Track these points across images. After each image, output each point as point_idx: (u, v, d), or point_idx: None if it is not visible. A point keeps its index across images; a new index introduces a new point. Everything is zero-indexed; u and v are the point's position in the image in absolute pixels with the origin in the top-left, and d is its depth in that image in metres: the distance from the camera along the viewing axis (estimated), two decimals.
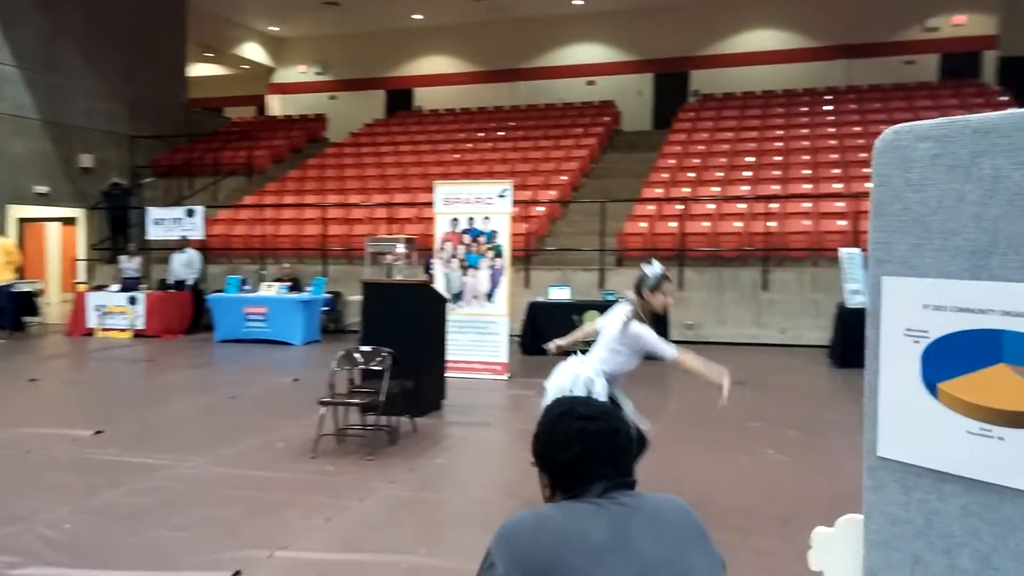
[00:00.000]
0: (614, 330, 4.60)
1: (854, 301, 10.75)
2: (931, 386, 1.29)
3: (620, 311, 4.64)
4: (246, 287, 13.21)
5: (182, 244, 14.28)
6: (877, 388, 1.37)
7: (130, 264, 14.48)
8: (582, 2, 21.54)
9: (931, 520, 1.28)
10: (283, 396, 8.60)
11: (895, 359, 1.34)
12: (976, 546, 1.23)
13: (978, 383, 1.23)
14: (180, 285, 14.07)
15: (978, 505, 1.23)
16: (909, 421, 1.32)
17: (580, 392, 4.60)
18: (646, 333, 4.49)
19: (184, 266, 14.15)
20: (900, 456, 1.33)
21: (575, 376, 4.62)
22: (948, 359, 1.27)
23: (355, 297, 13.32)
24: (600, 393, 4.59)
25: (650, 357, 4.64)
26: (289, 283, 13.22)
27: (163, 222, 14.65)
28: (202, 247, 15.01)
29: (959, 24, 20.09)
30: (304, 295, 12.90)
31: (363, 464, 5.95)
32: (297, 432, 6.85)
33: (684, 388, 9.10)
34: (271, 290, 12.88)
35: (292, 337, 12.46)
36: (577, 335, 5.18)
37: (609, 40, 22.68)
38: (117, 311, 13.42)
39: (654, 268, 4.63)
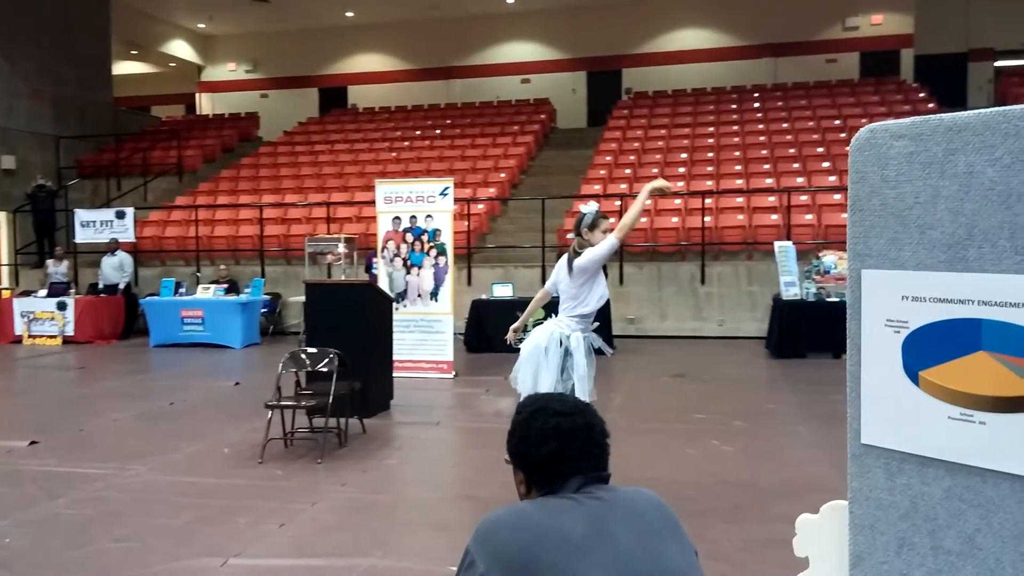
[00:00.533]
0: (567, 276, 4.79)
1: (789, 293, 11.03)
2: (912, 374, 1.34)
3: (562, 262, 4.87)
4: (181, 290, 12.91)
5: (112, 247, 13.88)
6: (860, 377, 1.41)
7: (58, 268, 14.03)
8: (514, 1, 21.59)
9: (915, 503, 1.33)
10: (225, 401, 8.43)
11: (876, 349, 1.38)
12: (961, 527, 1.28)
13: (959, 370, 1.28)
14: (111, 289, 13.68)
15: (961, 488, 1.28)
16: (892, 409, 1.36)
17: (555, 348, 4.71)
18: (590, 254, 4.68)
19: (115, 269, 13.77)
20: (884, 442, 1.38)
21: (550, 334, 4.77)
22: (929, 348, 1.32)
23: (296, 298, 13.16)
24: (576, 346, 4.70)
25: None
26: (226, 285, 12.96)
27: (91, 224, 14.23)
28: (133, 250, 14.63)
29: (877, 24, 20.77)
30: (242, 297, 12.66)
31: (313, 467, 5.88)
32: (242, 437, 6.74)
33: (628, 382, 9.21)
34: (208, 292, 12.61)
35: (231, 340, 12.23)
36: (528, 310, 5.30)
37: (542, 38, 22.79)
38: (46, 317, 12.99)
39: (590, 206, 4.83)
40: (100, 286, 13.82)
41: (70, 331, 12.92)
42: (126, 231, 14.14)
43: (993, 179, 1.24)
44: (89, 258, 15.08)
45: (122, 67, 24.42)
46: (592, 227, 4.74)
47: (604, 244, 4.69)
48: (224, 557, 4.19)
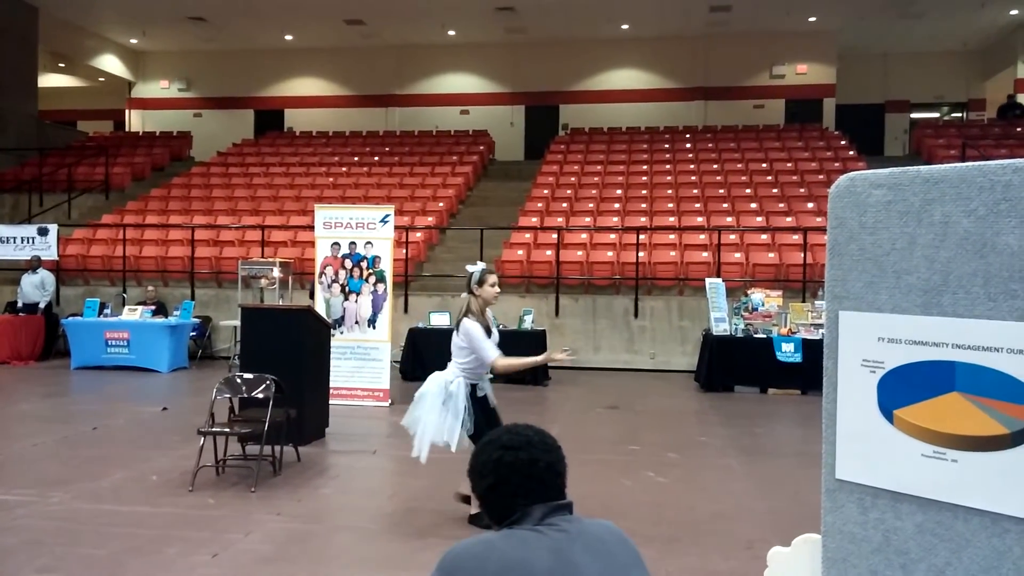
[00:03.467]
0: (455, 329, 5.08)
1: (718, 328, 11.27)
2: (887, 413, 1.40)
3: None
4: (106, 311, 12.50)
5: (34, 264, 13.39)
6: (835, 415, 1.46)
7: None
8: (455, 33, 21.76)
9: (888, 538, 1.38)
10: (152, 426, 8.18)
11: (852, 388, 1.44)
12: (931, 561, 1.33)
13: (932, 410, 1.34)
14: (31, 308, 13.17)
15: (933, 523, 1.33)
16: (867, 445, 1.42)
17: (438, 393, 4.93)
18: (474, 331, 4.93)
19: (36, 288, 13.27)
20: (858, 478, 1.43)
21: (438, 382, 4.99)
22: (903, 388, 1.38)
23: (227, 322, 12.88)
24: (457, 392, 4.93)
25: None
26: (153, 307, 12.61)
27: (11, 241, 13.74)
28: (55, 268, 14.14)
29: (802, 73, 21.65)
30: (171, 319, 12.32)
31: (246, 496, 5.74)
32: (171, 464, 6.55)
33: (564, 413, 9.26)
34: (134, 314, 12.24)
35: (158, 364, 11.86)
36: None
37: (482, 71, 23.00)
38: None
39: (477, 266, 5.15)
40: (19, 304, 13.30)
41: None
42: (49, 248, 13.69)
43: (968, 229, 1.31)
44: (8, 275, 14.52)
45: (49, 79, 23.73)
46: (480, 283, 5.04)
47: (486, 352, 4.91)
48: None
